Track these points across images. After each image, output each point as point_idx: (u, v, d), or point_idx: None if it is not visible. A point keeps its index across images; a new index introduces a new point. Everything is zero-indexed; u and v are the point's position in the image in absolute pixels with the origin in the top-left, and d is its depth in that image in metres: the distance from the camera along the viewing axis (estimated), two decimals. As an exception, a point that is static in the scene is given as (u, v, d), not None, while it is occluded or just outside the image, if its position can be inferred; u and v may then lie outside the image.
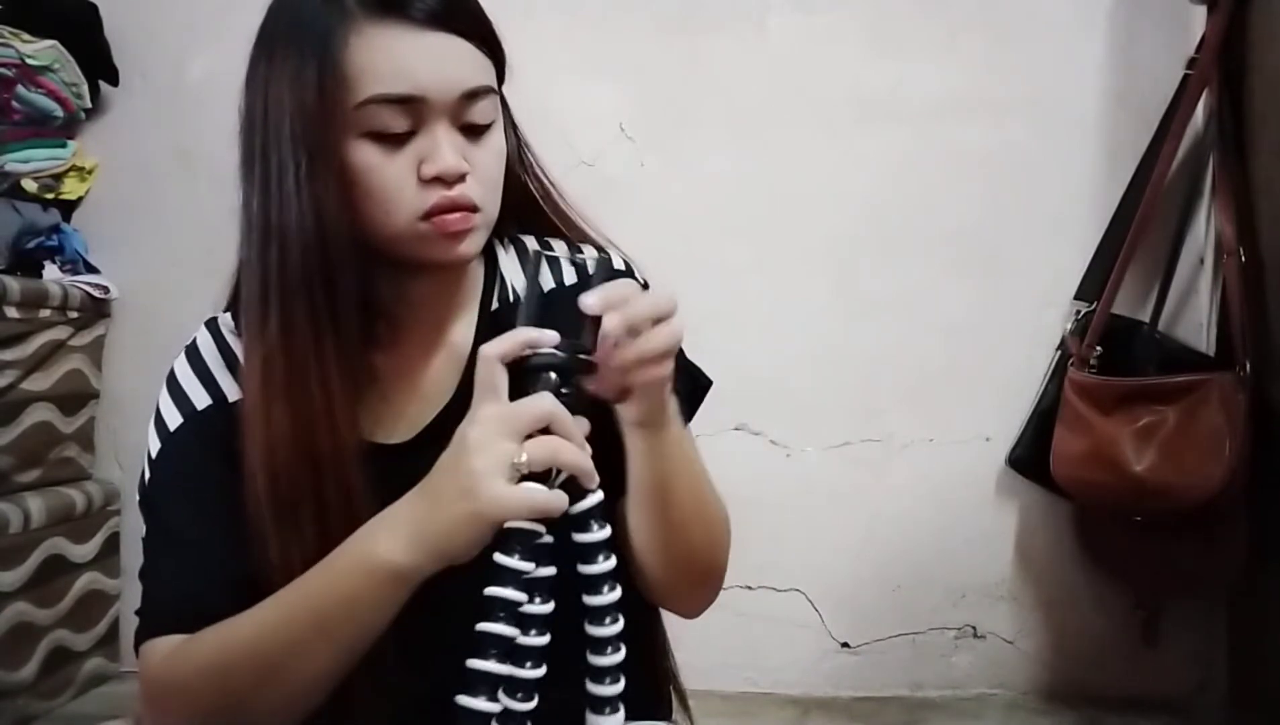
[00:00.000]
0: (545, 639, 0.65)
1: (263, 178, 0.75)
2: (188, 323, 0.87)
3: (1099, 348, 1.91)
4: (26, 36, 2.08)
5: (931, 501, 2.10)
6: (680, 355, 0.93)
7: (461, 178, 0.75)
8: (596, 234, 0.92)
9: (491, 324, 0.85)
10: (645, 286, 0.91)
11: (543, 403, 0.66)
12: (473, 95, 0.75)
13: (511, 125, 0.86)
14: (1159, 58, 2.00)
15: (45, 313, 2.05)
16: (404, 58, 0.73)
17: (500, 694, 0.63)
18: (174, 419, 0.81)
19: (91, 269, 2.22)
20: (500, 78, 0.81)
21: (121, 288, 2.23)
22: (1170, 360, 1.89)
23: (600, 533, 0.67)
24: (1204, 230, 2.02)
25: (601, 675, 0.67)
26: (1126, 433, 1.80)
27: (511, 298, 0.86)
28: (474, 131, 0.77)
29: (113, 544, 2.20)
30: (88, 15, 2.19)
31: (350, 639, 0.69)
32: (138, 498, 0.82)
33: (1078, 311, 1.98)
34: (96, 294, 2.18)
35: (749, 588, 2.11)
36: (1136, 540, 1.90)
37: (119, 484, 2.24)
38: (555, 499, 0.65)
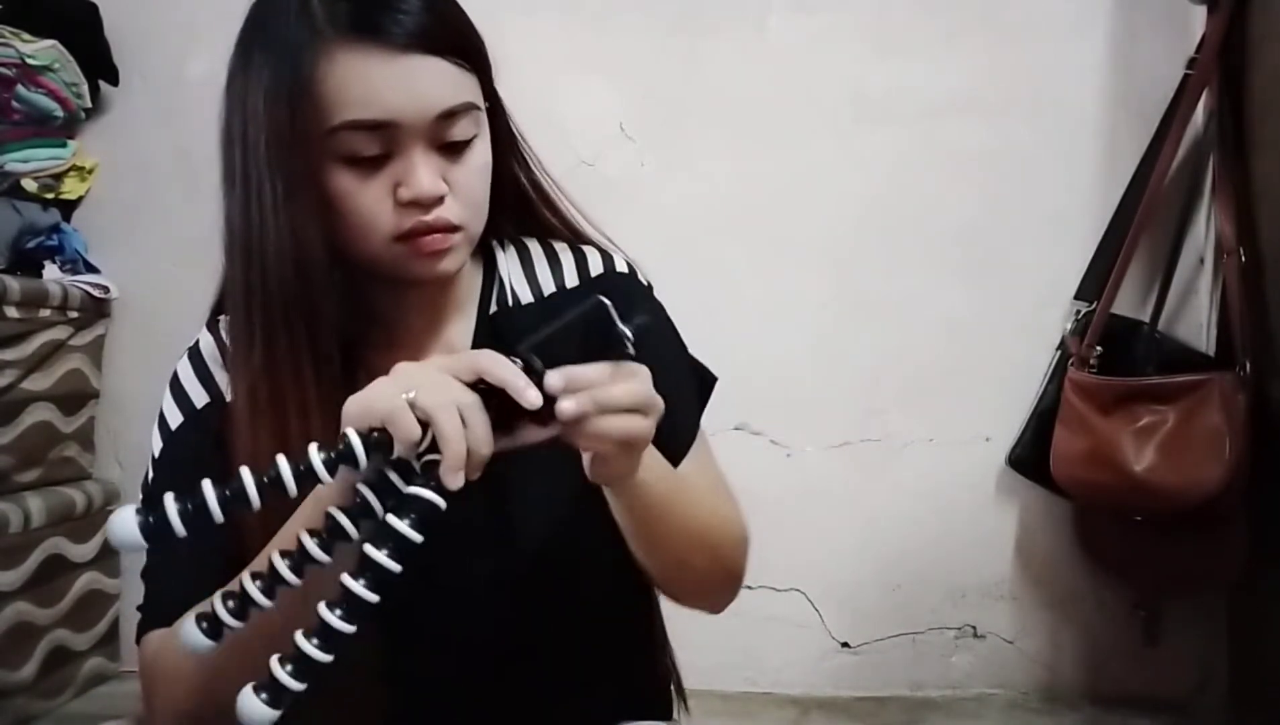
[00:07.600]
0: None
1: (243, 196, 0.74)
2: (188, 323, 0.87)
3: (1099, 348, 1.90)
4: (26, 36, 2.08)
5: (931, 501, 2.10)
6: (685, 356, 0.92)
7: (439, 200, 0.73)
8: (599, 234, 0.91)
9: (489, 327, 0.84)
10: (649, 289, 0.90)
11: (478, 356, 0.62)
12: (450, 115, 0.73)
13: (506, 123, 0.83)
14: (1159, 58, 2.00)
15: (45, 312, 2.05)
16: (375, 83, 0.71)
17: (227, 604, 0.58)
18: (175, 418, 0.82)
19: (91, 269, 2.22)
20: (487, 83, 0.79)
21: (121, 288, 2.23)
22: (1170, 360, 1.89)
23: (409, 530, 0.58)
24: (1204, 230, 2.02)
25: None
26: (1126, 433, 1.80)
27: (511, 301, 0.86)
28: (454, 150, 0.75)
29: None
30: (88, 15, 2.19)
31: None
32: (140, 498, 0.82)
33: (1078, 311, 1.98)
34: (96, 294, 2.19)
35: (749, 588, 2.07)
36: (1136, 540, 1.90)
37: (119, 484, 2.24)
38: (399, 414, 0.58)
